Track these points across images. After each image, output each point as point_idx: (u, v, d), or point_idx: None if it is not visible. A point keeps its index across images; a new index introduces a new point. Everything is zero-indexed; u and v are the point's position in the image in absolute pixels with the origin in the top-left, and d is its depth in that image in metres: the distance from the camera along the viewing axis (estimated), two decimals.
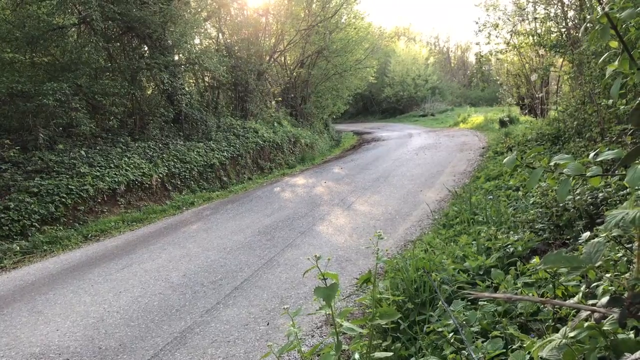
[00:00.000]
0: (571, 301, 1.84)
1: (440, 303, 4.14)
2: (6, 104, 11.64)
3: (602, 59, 1.68)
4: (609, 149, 5.21)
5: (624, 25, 1.72)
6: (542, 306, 3.20)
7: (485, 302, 3.74)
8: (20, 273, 7.99)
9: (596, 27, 1.60)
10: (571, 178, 1.51)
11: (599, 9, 1.51)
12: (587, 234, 2.67)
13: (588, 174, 1.52)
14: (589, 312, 1.26)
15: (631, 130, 6.93)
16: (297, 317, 3.06)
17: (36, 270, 8.08)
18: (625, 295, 1.20)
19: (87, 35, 14.45)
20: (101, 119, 14.06)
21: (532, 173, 1.58)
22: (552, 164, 1.60)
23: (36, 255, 9.05)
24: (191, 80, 19.32)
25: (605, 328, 1.27)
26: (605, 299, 1.25)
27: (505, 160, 1.73)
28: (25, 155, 11.10)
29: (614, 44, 1.69)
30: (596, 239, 1.33)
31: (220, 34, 21.61)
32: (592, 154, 1.58)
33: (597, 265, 1.24)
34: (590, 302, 1.92)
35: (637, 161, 1.39)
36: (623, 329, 1.23)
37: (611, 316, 1.20)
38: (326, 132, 29.86)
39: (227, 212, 11.29)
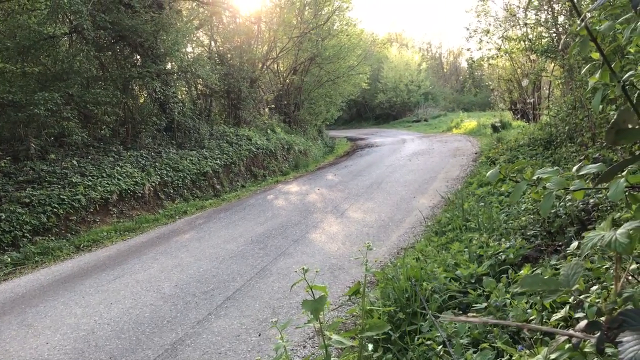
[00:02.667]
0: (555, 317, 1.82)
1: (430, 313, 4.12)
2: None
3: (583, 70, 1.68)
4: (599, 154, 5.21)
5: (611, 32, 1.72)
6: (531, 316, 3.18)
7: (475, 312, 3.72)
8: (11, 285, 7.93)
9: (576, 40, 1.59)
10: (554, 193, 1.50)
11: (578, 21, 1.50)
12: (576, 243, 2.65)
13: (571, 188, 1.51)
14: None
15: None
16: (288, 327, 3.03)
17: (27, 281, 8.02)
18: (604, 319, 1.18)
19: (79, 45, 14.41)
20: (93, 128, 14.01)
21: (515, 187, 1.56)
22: (535, 177, 1.59)
23: (27, 267, 8.98)
24: (184, 89, 19.29)
25: (587, 350, 1.26)
26: (583, 323, 1.23)
27: (488, 174, 1.72)
28: (17, 166, 11.04)
29: (596, 55, 1.68)
30: (573, 261, 1.32)
31: (212, 42, 21.63)
32: (575, 168, 1.57)
33: (573, 288, 1.22)
34: (578, 314, 1.90)
35: (618, 175, 1.38)
36: (602, 355, 1.22)
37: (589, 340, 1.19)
38: (320, 139, 29.86)
39: (220, 220, 11.25)
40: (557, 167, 1.81)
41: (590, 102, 8.13)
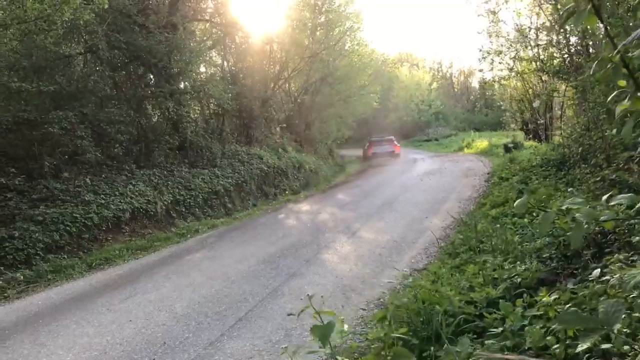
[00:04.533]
0: (581, 348, 1.78)
1: (445, 338, 4.06)
2: (12, 133, 11.71)
3: (609, 98, 1.65)
4: (615, 176, 5.13)
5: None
6: (550, 342, 3.12)
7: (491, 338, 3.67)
8: (24, 303, 7.93)
9: (608, 66, 1.58)
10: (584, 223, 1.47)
11: (592, 47, 1.49)
12: (597, 271, 2.61)
13: (601, 218, 1.49)
14: None
15: (638, 158, 6.88)
16: (301, 351, 3.00)
17: (40, 300, 8.02)
18: None
19: (93, 64, 14.62)
20: (106, 147, 14.10)
21: (543, 217, 1.54)
22: (564, 207, 1.57)
23: (40, 285, 8.98)
24: (196, 108, 19.44)
25: None
26: None
27: (516, 204, 1.70)
28: (31, 184, 11.12)
29: (622, 82, 1.66)
30: (614, 300, 1.28)
31: (225, 62, 21.85)
32: (604, 197, 1.54)
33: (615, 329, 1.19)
34: (604, 346, 1.86)
35: None
36: None
37: None
38: (330, 158, 29.93)
39: (231, 239, 11.25)
40: (586, 198, 1.79)
41: (604, 123, 8.05)
